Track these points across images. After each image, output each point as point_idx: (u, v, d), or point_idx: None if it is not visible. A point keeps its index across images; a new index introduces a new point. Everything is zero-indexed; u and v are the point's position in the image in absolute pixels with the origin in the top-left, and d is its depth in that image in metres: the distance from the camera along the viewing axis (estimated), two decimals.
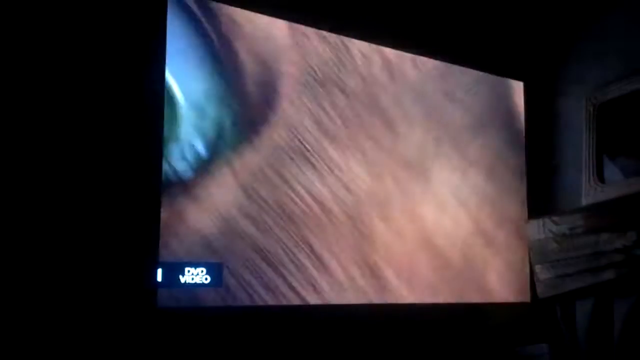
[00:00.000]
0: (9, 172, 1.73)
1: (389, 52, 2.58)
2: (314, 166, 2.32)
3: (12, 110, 1.75)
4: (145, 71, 1.97)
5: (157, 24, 2.02)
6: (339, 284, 2.33)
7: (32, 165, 1.77)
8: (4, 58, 1.75)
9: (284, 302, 2.19)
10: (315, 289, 2.27)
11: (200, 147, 2.10)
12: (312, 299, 2.25)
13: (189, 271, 2.03)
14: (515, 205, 2.90)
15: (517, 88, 2.98)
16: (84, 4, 1.88)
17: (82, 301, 1.79)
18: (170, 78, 2.05)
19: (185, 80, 2.09)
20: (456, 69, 2.78)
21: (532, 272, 2.68)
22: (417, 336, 2.42)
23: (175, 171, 2.04)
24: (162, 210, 1.98)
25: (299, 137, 2.30)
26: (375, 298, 2.41)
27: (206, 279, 2.06)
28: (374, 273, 2.42)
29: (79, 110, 1.86)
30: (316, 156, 2.33)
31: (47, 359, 1.72)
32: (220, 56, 2.18)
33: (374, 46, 2.54)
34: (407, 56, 2.63)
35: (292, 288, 2.22)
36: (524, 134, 2.97)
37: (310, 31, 2.38)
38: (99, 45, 1.89)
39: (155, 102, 2.00)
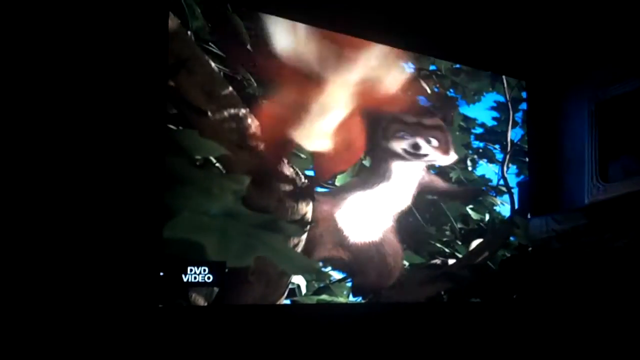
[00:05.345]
0: (11, 173, 1.76)
1: None
2: None
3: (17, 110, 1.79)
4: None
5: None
6: None
7: (35, 165, 1.80)
8: (15, 60, 1.79)
9: None
10: None
11: None
12: None
13: (191, 270, 2.05)
14: None
15: None
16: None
17: (85, 299, 1.82)
18: None
19: None
20: None
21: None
22: (412, 335, 2.44)
23: None
24: None
25: None
26: None
27: (208, 277, 2.07)
28: None
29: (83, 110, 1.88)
30: None
31: (48, 357, 1.74)
32: None
33: None
34: None
35: None
36: None
37: None
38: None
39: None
